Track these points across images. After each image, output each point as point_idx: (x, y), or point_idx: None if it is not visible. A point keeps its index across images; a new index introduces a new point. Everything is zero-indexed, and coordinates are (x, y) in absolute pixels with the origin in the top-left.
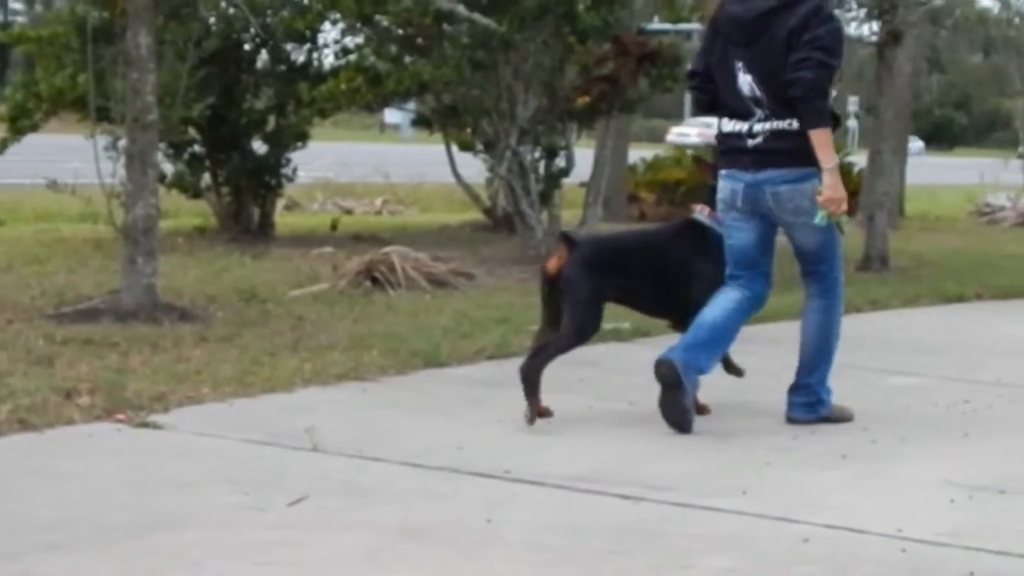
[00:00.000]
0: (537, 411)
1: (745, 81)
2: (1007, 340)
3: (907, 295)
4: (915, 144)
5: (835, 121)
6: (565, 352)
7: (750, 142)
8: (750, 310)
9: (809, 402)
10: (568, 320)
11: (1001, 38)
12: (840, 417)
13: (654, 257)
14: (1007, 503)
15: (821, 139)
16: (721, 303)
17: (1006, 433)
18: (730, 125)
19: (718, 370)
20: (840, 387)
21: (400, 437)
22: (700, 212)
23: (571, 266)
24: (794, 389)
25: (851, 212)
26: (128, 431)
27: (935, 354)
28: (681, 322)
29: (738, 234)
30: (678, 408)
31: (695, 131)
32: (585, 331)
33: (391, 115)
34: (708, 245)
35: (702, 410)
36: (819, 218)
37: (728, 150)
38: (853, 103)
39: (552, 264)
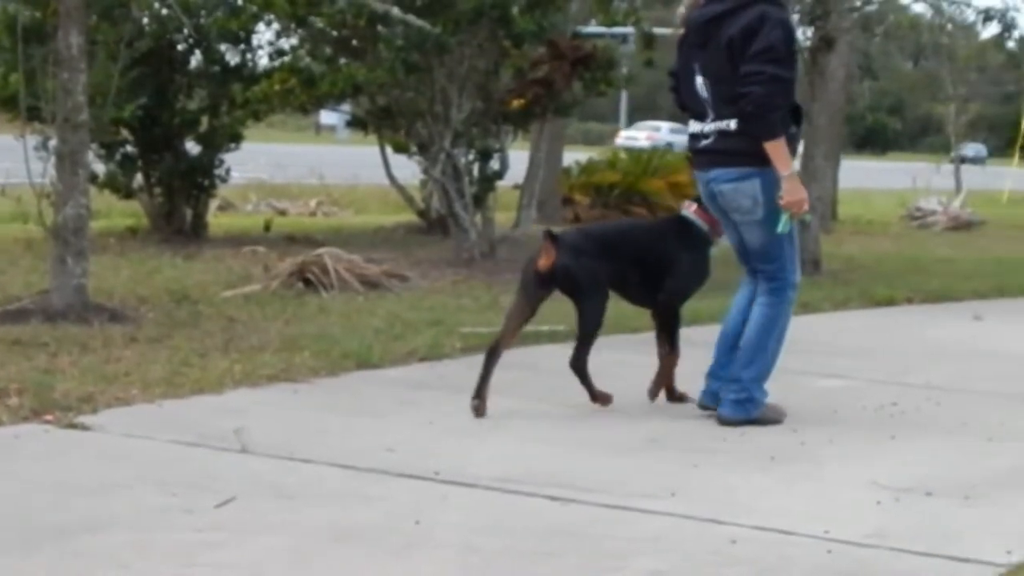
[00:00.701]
0: (597, 395)
1: (699, 83)
2: (936, 343)
3: (838, 298)
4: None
5: (798, 115)
6: (594, 338)
7: (703, 142)
8: (788, 302)
9: (740, 399)
10: (583, 309)
11: (932, 44)
12: (770, 419)
13: (641, 248)
14: (933, 505)
15: (776, 151)
16: (731, 317)
17: (933, 436)
18: (692, 126)
19: (643, 372)
20: (771, 388)
21: (330, 439)
22: (687, 209)
23: (565, 258)
24: (729, 382)
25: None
26: (56, 432)
27: (865, 357)
28: (659, 313)
29: (727, 233)
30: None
31: (644, 134)
32: (599, 317)
33: (327, 116)
34: (692, 241)
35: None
36: (781, 225)
37: (691, 151)
38: None
39: (543, 263)
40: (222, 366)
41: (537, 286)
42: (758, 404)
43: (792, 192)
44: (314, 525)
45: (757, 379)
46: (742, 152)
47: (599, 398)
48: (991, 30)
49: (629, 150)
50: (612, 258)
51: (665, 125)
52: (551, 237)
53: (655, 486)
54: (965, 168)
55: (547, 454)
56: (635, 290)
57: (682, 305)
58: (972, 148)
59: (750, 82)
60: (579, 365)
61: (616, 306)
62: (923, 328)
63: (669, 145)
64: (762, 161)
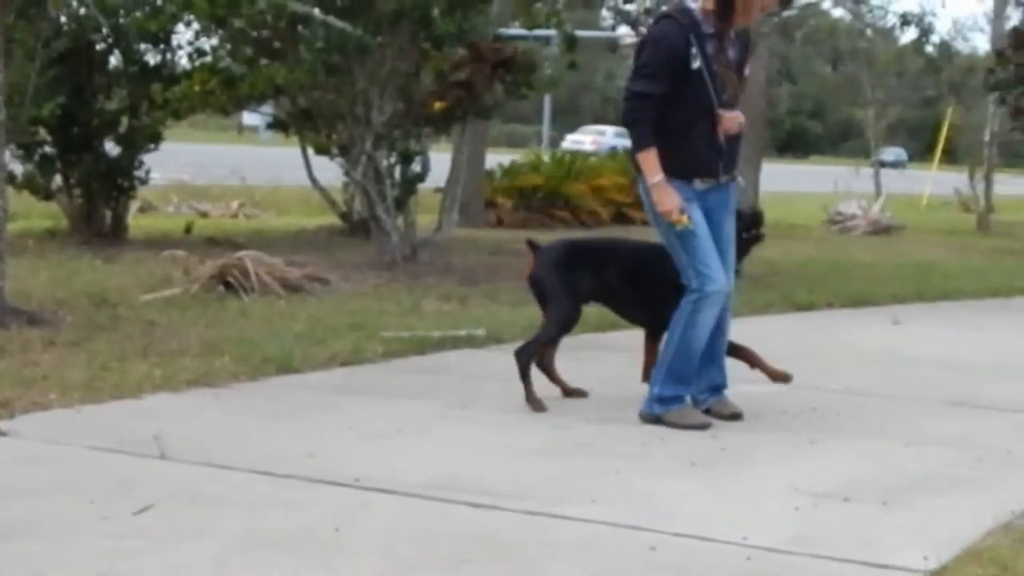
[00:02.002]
0: (532, 399)
1: None
2: (856, 348)
3: (759, 303)
4: None
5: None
6: (546, 342)
7: None
8: (698, 308)
9: (649, 394)
10: (546, 314)
11: (850, 49)
12: (681, 423)
13: (627, 260)
14: (851, 510)
15: (642, 161)
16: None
17: (852, 441)
18: None
19: (569, 377)
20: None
21: (251, 444)
22: None
23: (539, 268)
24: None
25: None
26: None
27: (785, 362)
28: (655, 329)
29: None
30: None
31: (589, 138)
32: (561, 323)
33: (249, 117)
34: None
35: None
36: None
37: None
38: None
39: (527, 272)
40: (141, 371)
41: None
42: (662, 400)
43: (659, 202)
44: (234, 532)
45: (659, 376)
46: (634, 160)
47: (534, 403)
48: (909, 35)
49: (539, 153)
50: (596, 271)
51: (610, 129)
52: (531, 246)
53: (576, 492)
54: (885, 172)
55: (469, 460)
56: (629, 308)
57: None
58: (892, 152)
59: (625, 99)
60: (522, 358)
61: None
62: (843, 333)
63: (614, 149)
64: (639, 169)
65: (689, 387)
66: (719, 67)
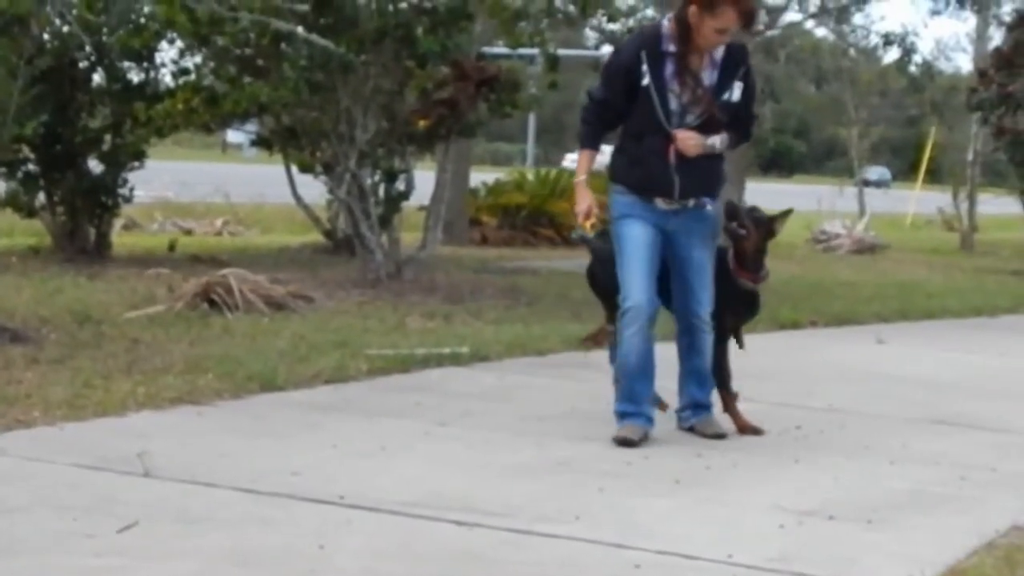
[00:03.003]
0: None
1: None
2: (839, 366)
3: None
4: None
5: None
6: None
7: None
8: (621, 327)
9: None
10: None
11: (834, 69)
12: (615, 437)
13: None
14: (835, 528)
15: (577, 158)
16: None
17: (836, 459)
18: None
19: (549, 394)
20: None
21: (234, 462)
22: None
23: (591, 265)
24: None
25: None
26: None
27: (769, 380)
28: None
29: None
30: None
31: None
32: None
33: (233, 134)
34: (718, 269)
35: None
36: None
37: None
38: None
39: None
40: (125, 388)
41: None
42: (617, 416)
43: (575, 201)
44: (217, 550)
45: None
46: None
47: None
48: (892, 54)
49: (523, 172)
50: None
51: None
52: (584, 241)
53: (560, 510)
54: (869, 191)
55: (452, 478)
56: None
57: (719, 337)
58: (876, 172)
59: None
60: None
61: (522, 330)
62: (827, 351)
63: None
64: (611, 177)
65: (639, 405)
66: (683, 87)
